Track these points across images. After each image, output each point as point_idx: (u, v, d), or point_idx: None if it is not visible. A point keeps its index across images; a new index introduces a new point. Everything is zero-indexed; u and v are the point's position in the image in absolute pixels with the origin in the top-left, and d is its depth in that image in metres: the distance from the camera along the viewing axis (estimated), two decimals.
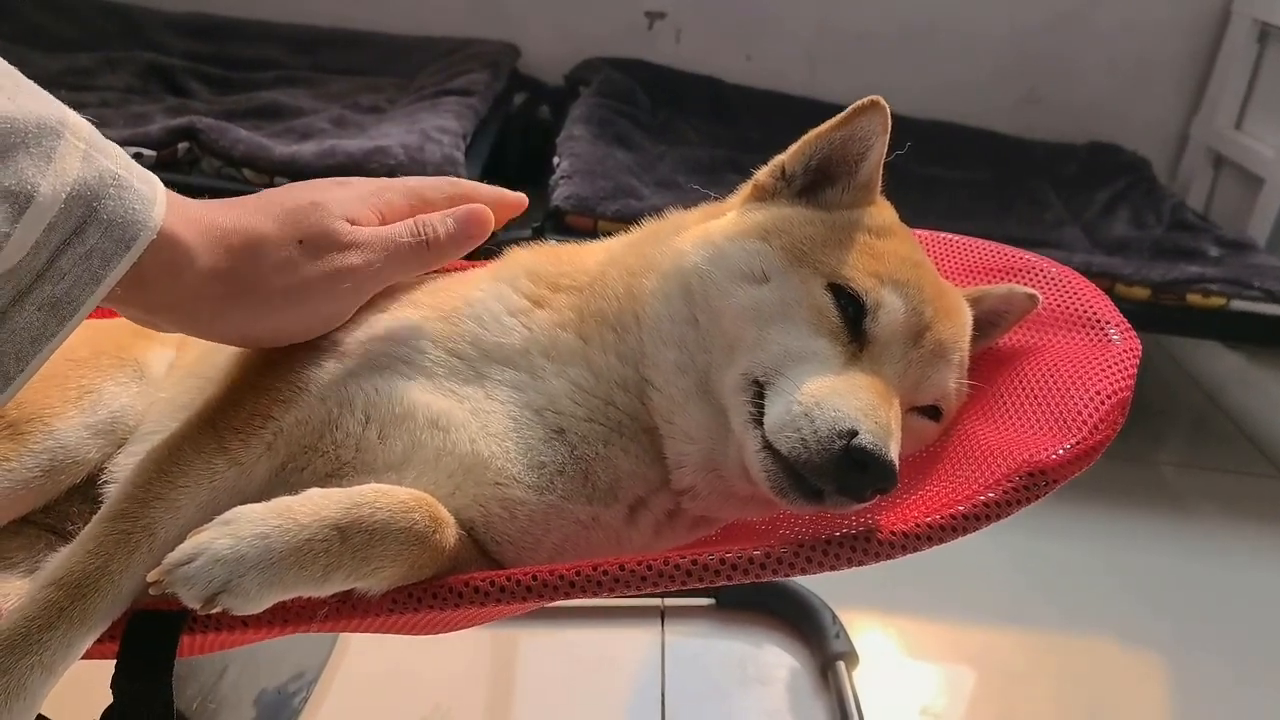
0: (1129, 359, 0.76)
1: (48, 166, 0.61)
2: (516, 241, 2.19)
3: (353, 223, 0.78)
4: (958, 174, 2.89)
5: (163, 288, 0.69)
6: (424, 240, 0.81)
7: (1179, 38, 3.21)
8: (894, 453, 0.71)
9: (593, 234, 2.20)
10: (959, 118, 3.11)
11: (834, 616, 1.68)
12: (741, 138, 2.90)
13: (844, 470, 0.69)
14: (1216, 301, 2.24)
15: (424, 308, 0.87)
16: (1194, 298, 2.25)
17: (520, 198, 0.91)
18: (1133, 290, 2.23)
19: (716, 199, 0.94)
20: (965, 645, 1.78)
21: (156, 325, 0.76)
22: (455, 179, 0.88)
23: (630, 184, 2.34)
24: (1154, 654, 1.79)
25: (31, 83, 0.63)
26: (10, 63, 2.20)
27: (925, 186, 2.75)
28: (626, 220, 2.19)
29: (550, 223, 2.22)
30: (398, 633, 0.83)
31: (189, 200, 0.72)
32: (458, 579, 0.73)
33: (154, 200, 0.66)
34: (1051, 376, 0.78)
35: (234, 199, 0.77)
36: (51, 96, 0.64)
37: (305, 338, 0.80)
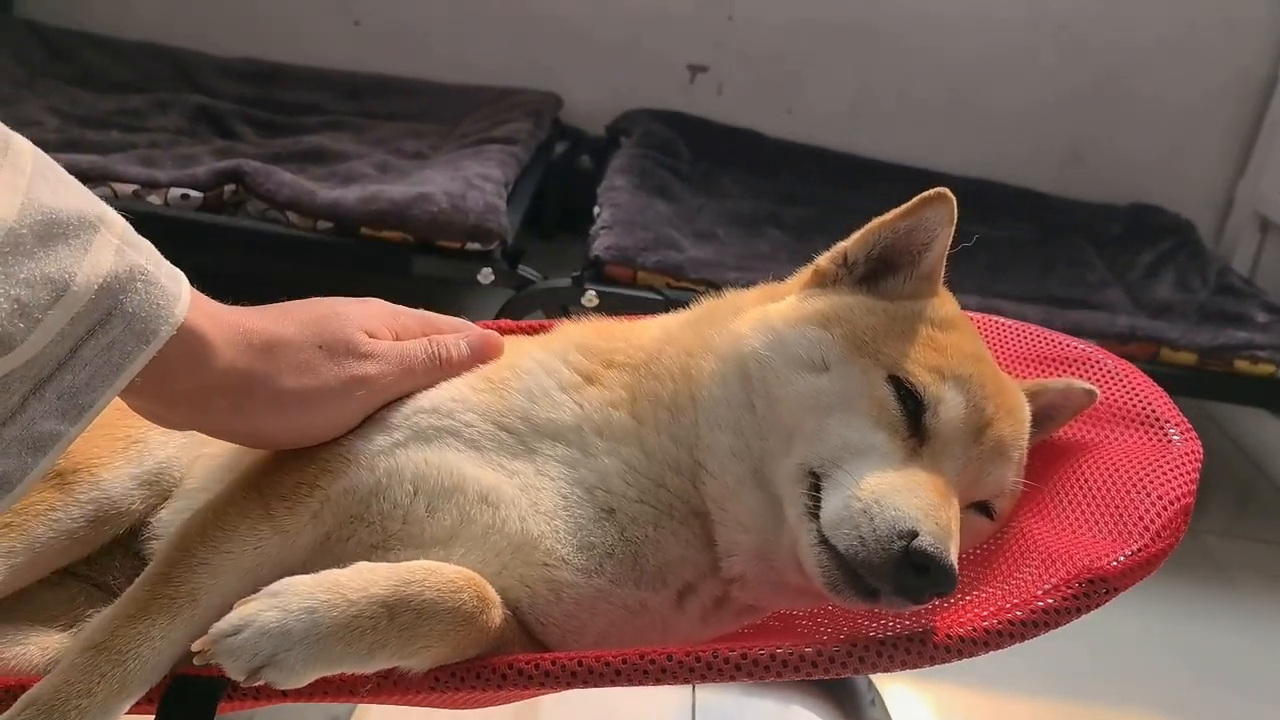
0: (1190, 462, 0.74)
1: (84, 258, 0.63)
2: (556, 290, 2.20)
3: (370, 335, 0.82)
4: (1000, 232, 2.87)
5: (181, 379, 0.71)
6: (438, 358, 0.86)
7: (1225, 100, 3.20)
8: (954, 555, 0.69)
9: (632, 284, 2.21)
10: (1001, 176, 3.10)
11: (869, 682, 1.65)
12: (781, 191, 2.90)
13: (903, 572, 0.68)
14: (1265, 369, 2.21)
15: (472, 377, 0.86)
16: (1242, 364, 2.21)
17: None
18: (1179, 355, 2.20)
19: (776, 279, 0.93)
20: (1004, 715, 1.74)
21: (170, 420, 0.78)
22: (468, 323, 0.93)
23: (670, 235, 2.35)
24: None
25: (72, 178, 0.66)
26: (65, 102, 2.25)
27: (967, 244, 2.73)
28: (666, 271, 2.22)
29: (590, 272, 2.22)
30: (438, 707, 0.82)
31: (214, 301, 0.74)
32: (501, 660, 0.72)
33: (178, 296, 0.68)
34: (1110, 476, 0.76)
35: (259, 307, 0.80)
36: (89, 191, 0.66)
37: (312, 442, 0.81)
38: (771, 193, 2.89)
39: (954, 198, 0.82)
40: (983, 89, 3.20)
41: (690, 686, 1.68)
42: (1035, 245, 2.88)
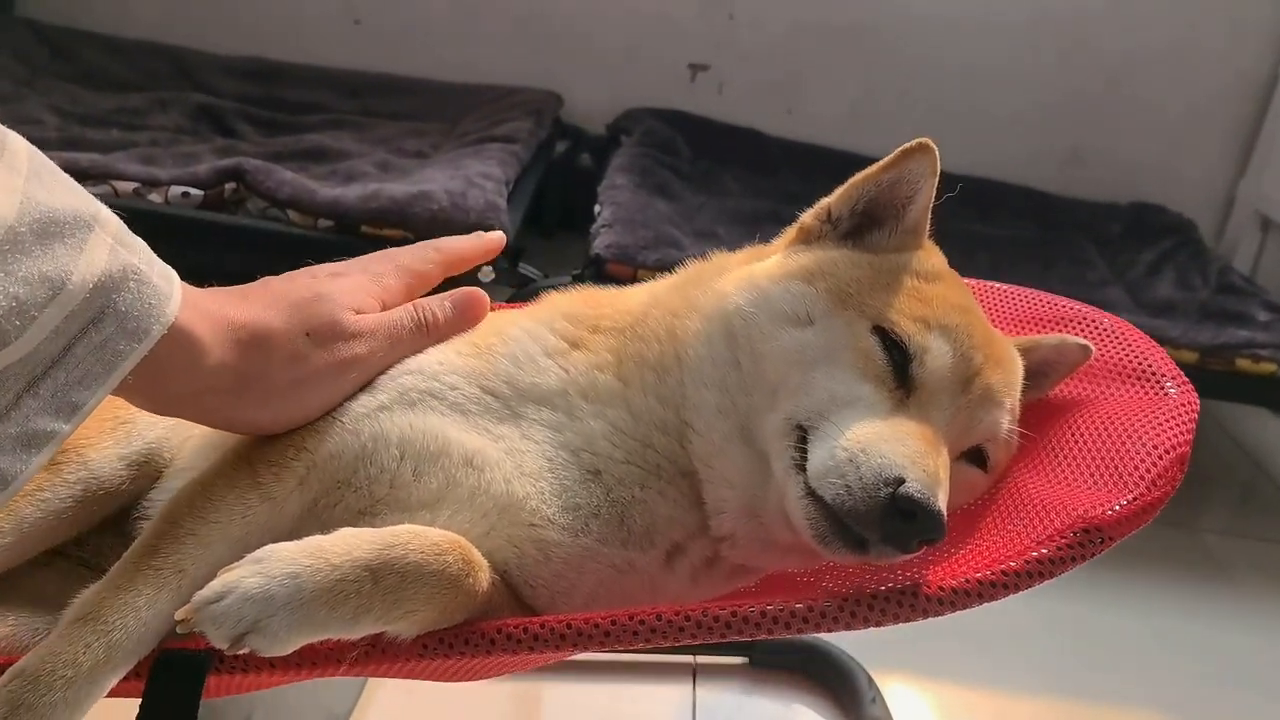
0: (1186, 413, 0.73)
1: (79, 256, 0.63)
2: (556, 288, 2.20)
3: (356, 311, 0.81)
4: (1000, 231, 2.87)
5: (174, 380, 0.71)
6: (424, 324, 0.85)
7: (1226, 99, 3.20)
8: (942, 502, 0.68)
9: (633, 282, 2.19)
10: (1002, 176, 3.10)
11: (870, 680, 1.64)
12: (782, 190, 2.90)
13: (890, 519, 0.67)
14: (1267, 368, 2.20)
15: (458, 342, 0.86)
16: (1243, 363, 2.20)
17: (499, 236, 0.95)
18: (1180, 354, 2.19)
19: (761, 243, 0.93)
20: (1005, 713, 1.73)
21: (164, 413, 0.78)
22: (437, 241, 0.92)
23: (671, 234, 2.35)
24: None
25: (67, 176, 0.66)
26: (65, 101, 2.25)
27: (967, 242, 2.73)
28: (666, 270, 2.20)
29: (590, 270, 2.22)
30: (427, 678, 0.81)
31: (202, 292, 0.74)
32: (490, 625, 0.71)
33: (170, 296, 0.69)
34: (1106, 429, 0.76)
35: (242, 288, 0.79)
36: (84, 190, 0.67)
37: (306, 422, 0.81)
38: (772, 191, 2.88)
39: (936, 148, 0.81)
40: (983, 89, 3.20)
41: (691, 685, 1.67)
42: (1036, 244, 2.88)
